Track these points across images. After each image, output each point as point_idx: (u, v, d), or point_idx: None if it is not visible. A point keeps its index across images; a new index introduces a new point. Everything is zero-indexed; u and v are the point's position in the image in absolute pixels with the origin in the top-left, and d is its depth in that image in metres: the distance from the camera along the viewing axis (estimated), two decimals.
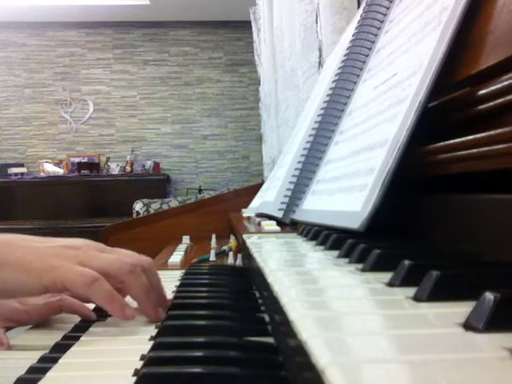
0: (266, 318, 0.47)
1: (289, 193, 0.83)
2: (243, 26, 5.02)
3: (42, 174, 5.12)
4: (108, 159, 5.32)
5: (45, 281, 0.46)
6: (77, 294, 0.52)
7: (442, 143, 0.45)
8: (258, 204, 1.24)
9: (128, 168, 5.22)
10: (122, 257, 0.50)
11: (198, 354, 0.38)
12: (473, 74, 0.45)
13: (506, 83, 0.38)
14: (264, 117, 2.78)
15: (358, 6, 1.35)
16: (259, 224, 0.86)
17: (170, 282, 0.70)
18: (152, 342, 0.42)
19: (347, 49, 0.82)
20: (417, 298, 0.29)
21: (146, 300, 0.50)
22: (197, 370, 0.35)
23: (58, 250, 0.48)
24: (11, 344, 0.50)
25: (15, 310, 0.55)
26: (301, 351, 0.23)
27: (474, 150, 0.40)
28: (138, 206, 3.04)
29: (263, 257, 0.49)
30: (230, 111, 5.47)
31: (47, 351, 0.45)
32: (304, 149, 0.84)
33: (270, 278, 0.38)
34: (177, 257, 1.04)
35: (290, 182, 0.83)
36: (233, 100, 5.48)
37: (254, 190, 1.57)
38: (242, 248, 0.83)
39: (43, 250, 0.48)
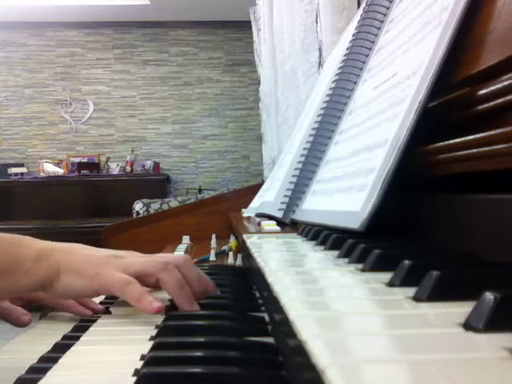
0: (266, 317, 0.47)
1: (289, 193, 0.83)
2: (243, 26, 5.01)
3: (42, 174, 5.11)
4: (108, 159, 5.32)
5: (95, 285, 0.54)
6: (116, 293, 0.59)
7: (441, 143, 0.45)
8: (257, 204, 1.24)
9: (128, 168, 5.21)
10: (156, 258, 0.57)
11: (198, 353, 0.38)
12: (473, 73, 0.44)
13: (505, 83, 0.38)
14: (264, 117, 2.78)
15: (358, 6, 1.35)
16: (259, 224, 0.86)
17: None
18: (152, 342, 0.42)
19: (347, 49, 0.82)
20: (417, 298, 0.29)
21: (179, 294, 0.53)
22: (197, 369, 0.35)
23: (108, 260, 0.55)
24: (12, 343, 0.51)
25: None
26: (301, 351, 0.23)
27: (474, 150, 0.40)
28: (138, 206, 3.05)
29: (263, 257, 0.49)
30: (230, 111, 5.47)
31: (47, 351, 0.45)
32: (304, 149, 0.84)
33: (270, 278, 0.38)
34: None
35: (290, 182, 0.83)
36: (233, 100, 5.47)
37: (253, 190, 1.57)
38: (242, 248, 0.83)
39: (97, 259, 0.56)
